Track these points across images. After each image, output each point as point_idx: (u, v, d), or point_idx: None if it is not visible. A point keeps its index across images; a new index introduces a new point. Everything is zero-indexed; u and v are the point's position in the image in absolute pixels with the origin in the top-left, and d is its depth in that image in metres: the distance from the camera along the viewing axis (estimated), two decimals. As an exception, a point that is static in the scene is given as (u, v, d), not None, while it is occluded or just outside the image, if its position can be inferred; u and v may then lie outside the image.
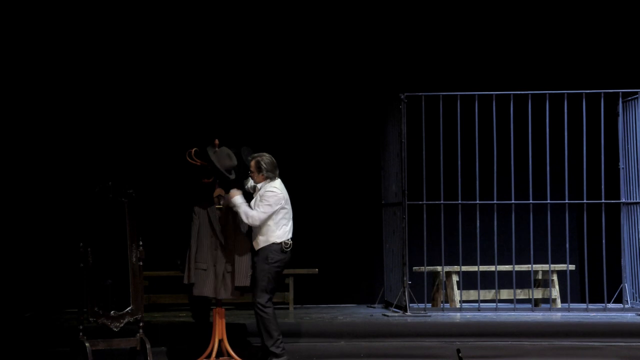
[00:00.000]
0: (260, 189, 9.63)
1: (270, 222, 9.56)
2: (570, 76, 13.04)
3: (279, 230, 9.57)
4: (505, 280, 12.19)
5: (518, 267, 12.05)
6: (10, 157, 12.62)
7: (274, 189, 9.57)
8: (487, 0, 13.28)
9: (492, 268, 11.95)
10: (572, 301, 12.04)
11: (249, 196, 9.82)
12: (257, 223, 9.54)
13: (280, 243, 9.56)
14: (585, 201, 11.83)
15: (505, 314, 11.61)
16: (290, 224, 9.69)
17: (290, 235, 9.65)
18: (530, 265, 12.06)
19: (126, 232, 9.53)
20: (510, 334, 10.50)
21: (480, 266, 11.90)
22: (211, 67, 13.22)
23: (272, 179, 9.65)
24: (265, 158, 9.66)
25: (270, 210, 9.52)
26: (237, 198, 9.60)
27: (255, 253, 9.64)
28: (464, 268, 12.13)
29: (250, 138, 10.88)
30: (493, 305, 11.98)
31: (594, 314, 11.54)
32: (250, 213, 9.52)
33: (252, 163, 9.67)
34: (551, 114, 11.75)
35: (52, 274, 12.36)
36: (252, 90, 13.21)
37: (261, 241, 9.58)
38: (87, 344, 9.20)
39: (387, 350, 10.28)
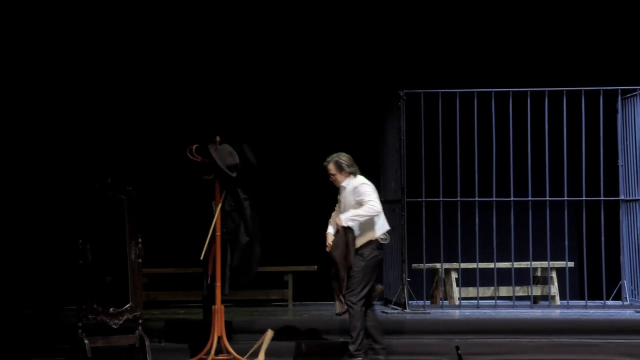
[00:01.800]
0: (347, 187, 9.63)
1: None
2: (569, 73, 13.04)
3: (374, 226, 9.56)
4: (504, 278, 12.18)
5: (517, 264, 12.04)
6: (9, 155, 12.62)
7: (366, 182, 9.60)
8: (486, -2, 13.33)
9: (491, 265, 11.95)
10: (571, 298, 12.04)
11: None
12: (378, 208, 9.47)
13: (376, 239, 9.56)
14: (584, 198, 11.83)
15: (504, 311, 11.61)
16: (382, 216, 9.65)
17: (385, 229, 9.64)
18: (529, 263, 12.06)
19: (125, 230, 9.54)
20: (509, 331, 10.50)
21: (479, 263, 11.89)
22: (212, 65, 13.23)
23: (355, 174, 9.66)
24: (343, 156, 9.68)
25: (376, 197, 9.52)
26: (343, 217, 9.50)
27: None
28: (463, 265, 12.13)
29: (250, 135, 10.88)
30: (492, 302, 11.98)
31: (593, 311, 11.54)
32: (366, 208, 9.43)
33: (331, 165, 9.65)
34: (550, 111, 11.74)
35: (51, 271, 12.36)
36: (253, 87, 13.21)
37: (359, 239, 9.55)
38: (86, 341, 9.20)
39: (386, 348, 10.27)
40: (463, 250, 11.93)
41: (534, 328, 10.55)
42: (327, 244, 9.62)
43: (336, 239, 9.51)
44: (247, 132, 11.82)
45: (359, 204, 9.52)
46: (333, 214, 9.85)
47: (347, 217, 9.48)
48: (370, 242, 9.54)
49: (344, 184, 9.66)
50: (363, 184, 9.61)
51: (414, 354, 10.20)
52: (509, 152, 11.71)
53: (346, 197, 9.64)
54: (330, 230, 9.70)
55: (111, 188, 9.48)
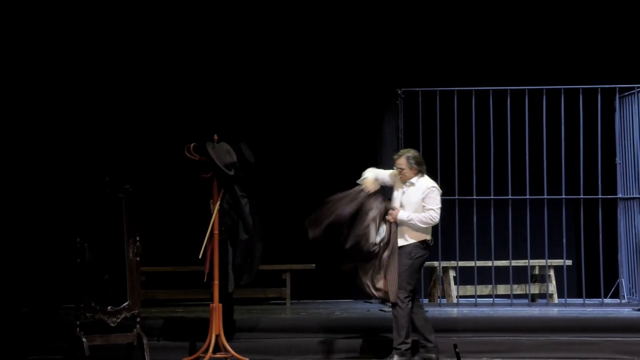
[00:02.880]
0: (415, 184, 9.58)
1: None
2: (567, 71, 13.05)
3: (428, 227, 9.57)
4: (502, 276, 12.19)
5: (515, 263, 12.05)
6: (7, 153, 12.61)
7: (436, 186, 9.58)
8: (485, -4, 13.33)
9: (489, 263, 11.95)
10: (569, 296, 12.05)
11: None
12: (436, 220, 9.48)
13: (427, 240, 9.56)
14: (582, 196, 11.84)
15: (502, 309, 11.62)
16: None
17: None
18: (527, 261, 12.06)
19: (123, 228, 9.53)
20: (507, 330, 10.50)
21: (477, 261, 11.90)
22: (210, 63, 13.22)
23: (423, 172, 9.64)
24: (412, 152, 9.66)
25: (440, 207, 9.51)
26: (401, 214, 9.48)
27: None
28: (461, 263, 12.14)
29: (248, 134, 10.88)
30: (490, 300, 11.98)
31: (591, 309, 11.54)
32: (427, 216, 9.44)
33: (402, 159, 9.59)
34: (548, 109, 11.74)
35: (49, 269, 12.36)
36: (250, 86, 13.21)
37: (410, 238, 9.52)
38: (84, 339, 9.20)
39: (385, 346, 10.27)
40: (461, 249, 11.94)
41: (532, 326, 10.56)
42: (364, 186, 9.57)
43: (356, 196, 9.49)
44: (245, 130, 11.82)
45: (423, 207, 9.53)
46: (383, 172, 9.80)
47: (403, 216, 9.47)
48: (420, 242, 9.53)
49: (412, 180, 9.62)
50: (433, 187, 9.57)
51: (412, 352, 10.21)
52: (506, 151, 11.72)
53: (411, 195, 9.57)
54: (369, 174, 9.67)
55: (109, 186, 9.47)
